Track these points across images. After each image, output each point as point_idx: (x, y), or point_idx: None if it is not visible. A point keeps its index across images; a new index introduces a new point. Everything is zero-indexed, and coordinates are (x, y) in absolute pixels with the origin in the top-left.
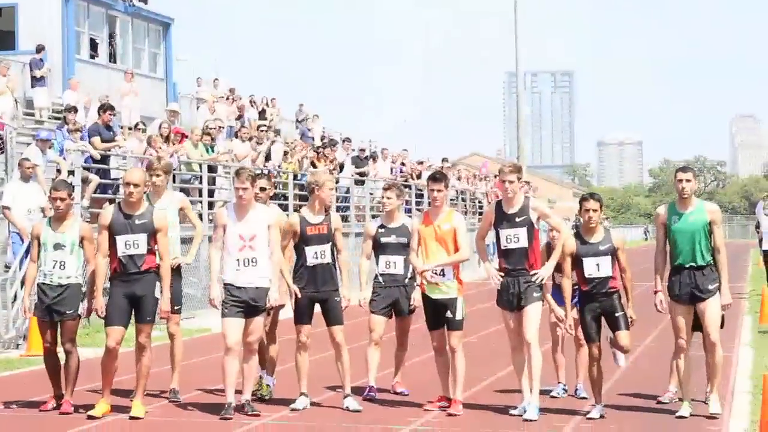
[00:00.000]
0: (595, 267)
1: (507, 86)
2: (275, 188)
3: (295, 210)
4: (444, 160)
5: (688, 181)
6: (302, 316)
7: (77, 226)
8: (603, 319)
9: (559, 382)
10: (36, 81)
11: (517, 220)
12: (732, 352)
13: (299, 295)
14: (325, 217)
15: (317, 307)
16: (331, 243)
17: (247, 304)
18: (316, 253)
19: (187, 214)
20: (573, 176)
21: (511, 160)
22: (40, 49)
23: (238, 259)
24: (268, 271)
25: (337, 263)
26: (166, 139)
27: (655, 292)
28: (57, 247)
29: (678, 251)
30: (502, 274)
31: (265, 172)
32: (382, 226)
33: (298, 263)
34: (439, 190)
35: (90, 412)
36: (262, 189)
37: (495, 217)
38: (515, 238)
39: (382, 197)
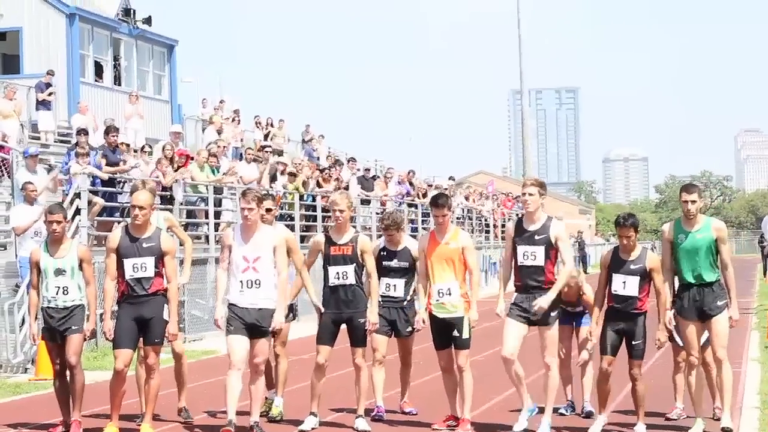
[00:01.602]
0: (622, 284)
1: (512, 103)
2: (281, 209)
3: (311, 230)
4: (450, 178)
5: (693, 202)
6: (323, 336)
7: (75, 249)
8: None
9: (567, 400)
10: (40, 104)
11: (537, 238)
12: (740, 367)
13: (322, 310)
14: (351, 238)
15: (343, 327)
16: (355, 264)
17: (250, 325)
18: (338, 273)
19: (175, 232)
20: (579, 193)
21: (524, 180)
22: (51, 73)
23: (241, 281)
24: (273, 293)
25: (365, 286)
26: (170, 160)
27: (665, 310)
28: (58, 272)
29: (685, 269)
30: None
31: (272, 193)
32: (384, 249)
33: (324, 283)
34: (443, 215)
35: None
36: (268, 210)
37: (515, 233)
38: (532, 255)
39: (383, 235)
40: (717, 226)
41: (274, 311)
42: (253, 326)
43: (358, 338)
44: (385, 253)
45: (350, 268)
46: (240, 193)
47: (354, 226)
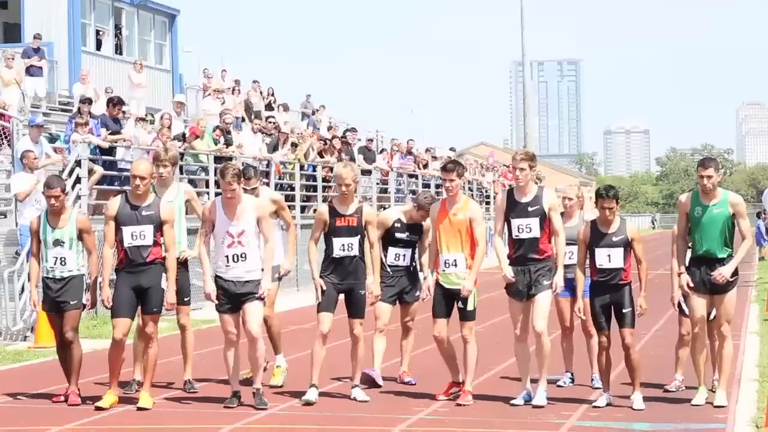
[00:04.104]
0: (606, 258)
1: (513, 75)
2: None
3: (323, 200)
4: (452, 149)
5: (709, 177)
6: (326, 305)
7: (74, 220)
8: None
9: (567, 371)
10: (29, 70)
11: (530, 209)
12: (739, 340)
13: (324, 288)
14: (356, 209)
15: (341, 298)
16: (360, 236)
17: (237, 297)
18: (343, 245)
19: (193, 206)
20: (580, 165)
21: (524, 149)
22: (38, 37)
23: (227, 256)
24: (259, 264)
25: (367, 256)
26: (168, 129)
27: (679, 275)
28: (56, 243)
29: (699, 243)
30: (511, 273)
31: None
32: (399, 221)
33: (326, 253)
34: (451, 180)
35: (98, 404)
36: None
37: (507, 206)
38: (527, 228)
39: (410, 210)
40: (734, 201)
41: (260, 280)
42: (241, 296)
43: (358, 309)
44: (399, 225)
45: (355, 240)
46: (219, 172)
47: (364, 197)
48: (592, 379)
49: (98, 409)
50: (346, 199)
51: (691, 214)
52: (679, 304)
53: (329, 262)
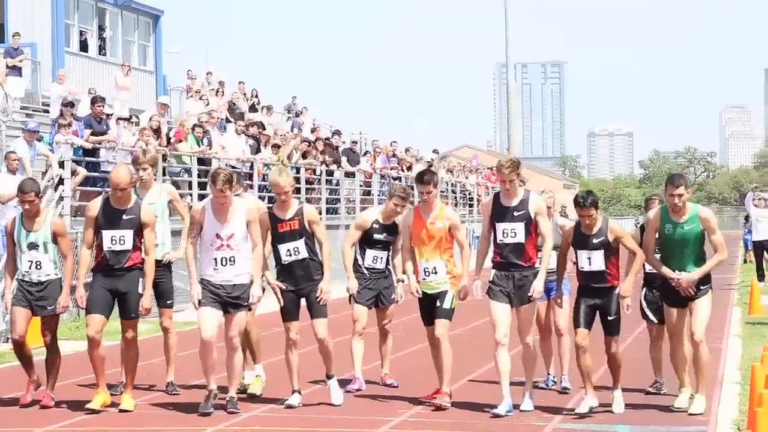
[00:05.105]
0: (587, 261)
1: (497, 77)
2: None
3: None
4: (434, 151)
5: (680, 195)
6: (289, 312)
7: (49, 223)
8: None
9: (548, 374)
10: (10, 70)
11: (516, 214)
12: (721, 343)
13: (283, 288)
14: (296, 211)
15: (303, 302)
16: (305, 238)
17: (223, 299)
18: (288, 250)
19: (176, 207)
20: (563, 167)
21: (507, 154)
22: (17, 35)
23: (215, 259)
24: (247, 268)
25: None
26: (155, 131)
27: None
28: (31, 246)
29: (671, 259)
30: (491, 278)
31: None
32: (377, 222)
33: (276, 262)
34: (428, 192)
35: (89, 405)
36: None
37: (493, 209)
38: (512, 232)
39: (394, 207)
40: (704, 216)
41: (249, 285)
42: (228, 301)
43: (318, 310)
44: (377, 227)
45: (301, 243)
46: (209, 178)
47: (299, 199)
48: (561, 380)
49: (89, 410)
50: (285, 205)
51: (661, 232)
52: (642, 309)
53: (280, 269)
